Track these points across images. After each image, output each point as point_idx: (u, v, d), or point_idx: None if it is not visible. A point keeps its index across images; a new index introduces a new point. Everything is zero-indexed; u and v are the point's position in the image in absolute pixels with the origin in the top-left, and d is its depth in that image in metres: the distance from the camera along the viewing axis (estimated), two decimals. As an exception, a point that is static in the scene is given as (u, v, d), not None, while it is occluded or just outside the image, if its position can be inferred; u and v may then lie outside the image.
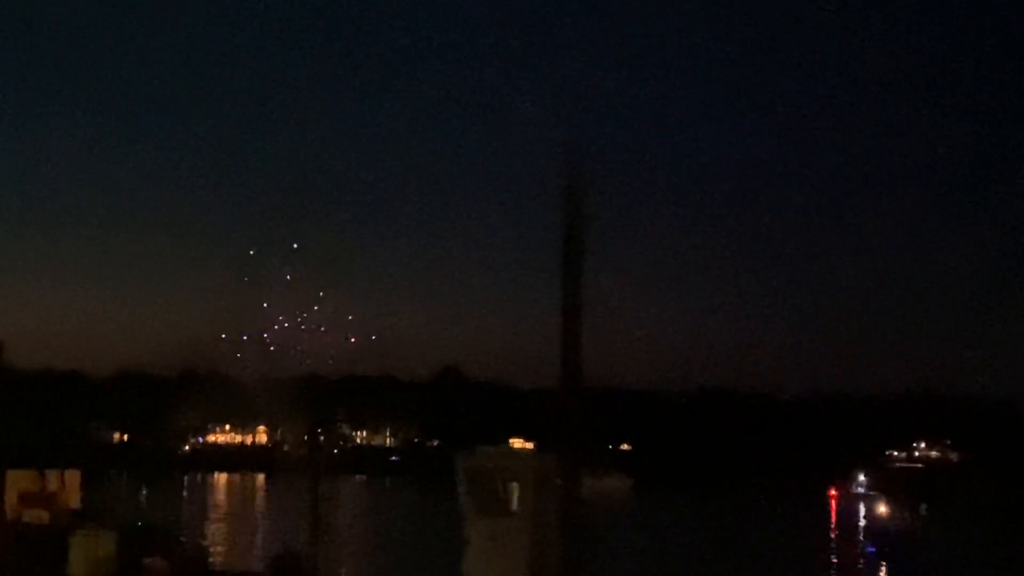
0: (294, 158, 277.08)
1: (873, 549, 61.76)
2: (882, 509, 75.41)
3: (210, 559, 36.97)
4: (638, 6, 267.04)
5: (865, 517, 79.86)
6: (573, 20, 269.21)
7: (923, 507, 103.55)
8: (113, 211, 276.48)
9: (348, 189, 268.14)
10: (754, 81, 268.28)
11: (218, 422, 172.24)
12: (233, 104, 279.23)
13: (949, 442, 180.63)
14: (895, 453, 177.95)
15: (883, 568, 56.09)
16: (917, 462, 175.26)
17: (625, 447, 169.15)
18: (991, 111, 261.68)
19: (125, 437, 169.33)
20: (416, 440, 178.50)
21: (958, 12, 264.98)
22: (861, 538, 68.25)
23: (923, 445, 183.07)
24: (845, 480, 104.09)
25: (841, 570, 56.84)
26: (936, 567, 58.08)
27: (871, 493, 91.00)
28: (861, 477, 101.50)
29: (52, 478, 38.25)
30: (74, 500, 38.17)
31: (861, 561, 59.02)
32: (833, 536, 73.59)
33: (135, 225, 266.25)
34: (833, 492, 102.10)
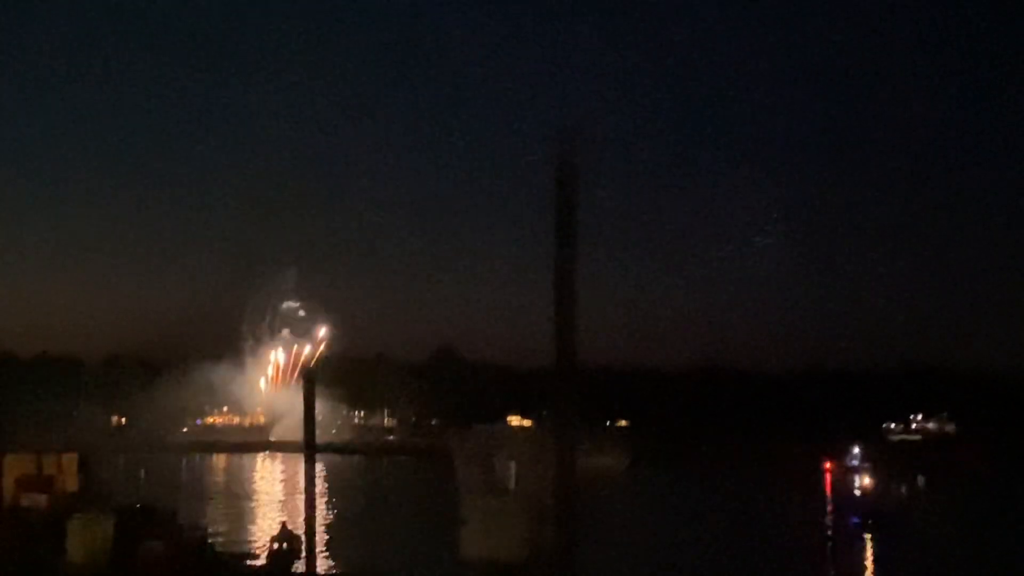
0: (288, 142, 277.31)
1: (857, 520, 62.01)
2: (867, 481, 75.70)
3: (209, 541, 37.00)
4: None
5: (841, 489, 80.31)
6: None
7: (920, 479, 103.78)
8: (108, 197, 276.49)
9: (343, 173, 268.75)
10: (756, 55, 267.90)
11: (216, 404, 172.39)
12: (230, 90, 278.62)
13: (947, 415, 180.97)
14: (893, 426, 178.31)
15: (867, 539, 56.34)
16: (915, 435, 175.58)
17: (622, 424, 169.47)
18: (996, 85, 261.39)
19: (123, 420, 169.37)
20: (414, 420, 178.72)
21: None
22: (846, 510, 68.57)
23: (921, 418, 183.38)
24: (841, 453, 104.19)
25: (827, 542, 57.04)
26: (922, 538, 58.39)
27: (865, 466, 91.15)
28: (856, 450, 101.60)
29: (49, 462, 38.26)
30: (72, 484, 38.19)
31: (846, 532, 59.30)
32: (826, 509, 73.82)
33: (130, 210, 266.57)
34: (828, 465, 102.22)
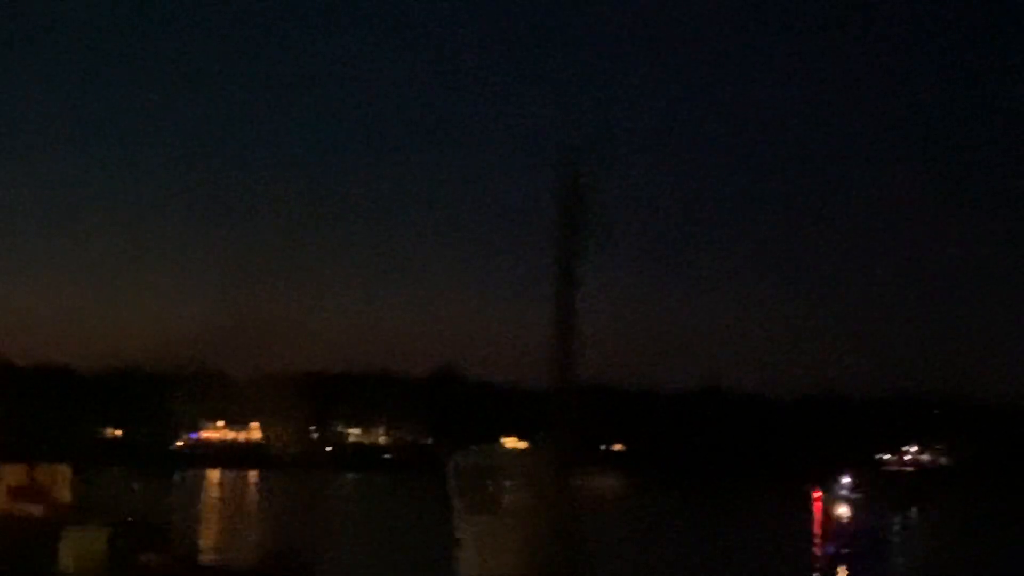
0: (289, 155, 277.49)
1: (833, 550, 62.21)
2: (843, 511, 76.01)
3: (201, 555, 36.96)
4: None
5: (827, 518, 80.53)
6: (577, 13, 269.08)
7: (913, 510, 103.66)
8: (106, 206, 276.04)
9: (345, 188, 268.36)
10: (761, 78, 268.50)
11: (211, 418, 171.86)
12: (225, 100, 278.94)
13: (940, 446, 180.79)
14: (886, 456, 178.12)
15: (842, 568, 56.47)
16: (908, 465, 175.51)
17: (618, 447, 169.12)
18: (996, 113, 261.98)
19: (118, 433, 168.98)
20: (410, 438, 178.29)
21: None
22: (821, 539, 68.75)
23: (915, 448, 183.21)
24: (832, 482, 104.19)
25: (802, 570, 57.15)
26: (898, 570, 58.53)
27: (855, 496, 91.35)
28: (845, 479, 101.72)
29: (43, 473, 38.22)
30: (65, 495, 38.15)
31: (824, 562, 59.47)
32: (811, 537, 73.86)
33: (128, 220, 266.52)
34: (817, 494, 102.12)
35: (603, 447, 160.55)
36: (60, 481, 38.58)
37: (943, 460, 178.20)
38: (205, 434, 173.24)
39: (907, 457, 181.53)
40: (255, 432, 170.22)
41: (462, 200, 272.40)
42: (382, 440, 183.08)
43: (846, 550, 61.21)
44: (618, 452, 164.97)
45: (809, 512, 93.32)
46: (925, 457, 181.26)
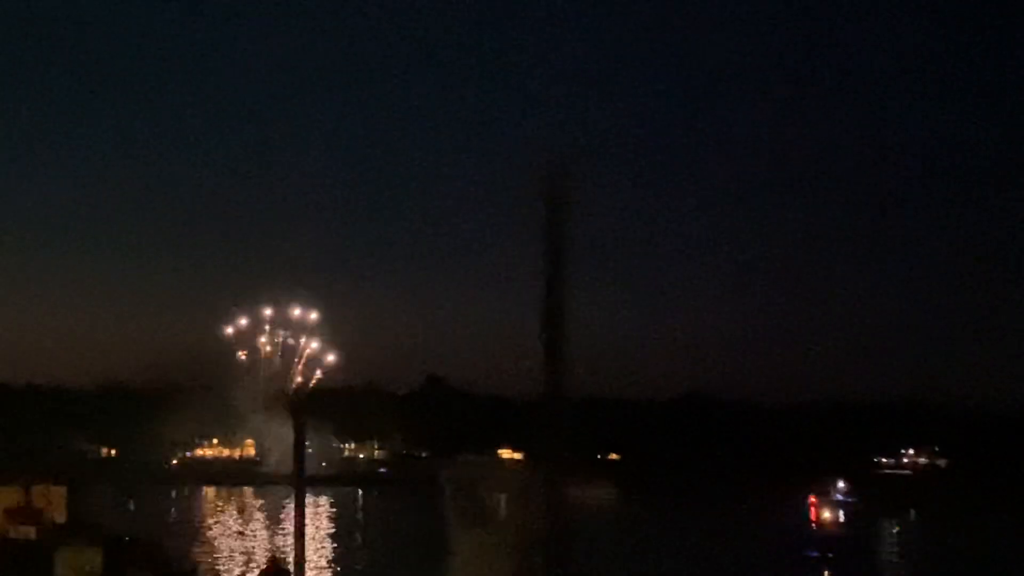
0: (274, 172, 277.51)
1: (816, 553, 62.45)
2: (826, 515, 76.21)
3: (197, 573, 36.86)
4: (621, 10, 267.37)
5: (818, 522, 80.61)
6: (555, 25, 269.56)
7: (911, 513, 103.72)
8: (98, 225, 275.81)
9: (333, 203, 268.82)
10: (740, 89, 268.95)
11: (205, 436, 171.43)
12: (211, 117, 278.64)
13: (937, 449, 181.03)
14: (884, 460, 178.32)
15: (825, 571, 56.74)
16: (906, 468, 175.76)
17: (613, 456, 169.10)
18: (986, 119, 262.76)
19: (112, 452, 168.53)
20: (404, 451, 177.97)
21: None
22: (806, 543, 68.79)
23: (912, 452, 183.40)
24: (826, 486, 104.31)
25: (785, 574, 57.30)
26: (877, 570, 58.80)
27: (850, 500, 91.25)
28: (840, 484, 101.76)
29: (38, 494, 38.16)
30: (60, 515, 38.10)
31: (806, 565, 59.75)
32: (801, 542, 73.95)
33: (120, 239, 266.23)
34: (813, 499, 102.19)
35: (599, 456, 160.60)
36: (55, 502, 38.54)
37: (941, 463, 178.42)
38: (199, 451, 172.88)
39: (904, 460, 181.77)
40: (249, 449, 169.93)
41: (449, 210, 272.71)
42: (376, 454, 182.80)
43: (830, 554, 61.47)
44: (613, 461, 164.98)
45: (803, 516, 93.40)
46: (922, 460, 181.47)
